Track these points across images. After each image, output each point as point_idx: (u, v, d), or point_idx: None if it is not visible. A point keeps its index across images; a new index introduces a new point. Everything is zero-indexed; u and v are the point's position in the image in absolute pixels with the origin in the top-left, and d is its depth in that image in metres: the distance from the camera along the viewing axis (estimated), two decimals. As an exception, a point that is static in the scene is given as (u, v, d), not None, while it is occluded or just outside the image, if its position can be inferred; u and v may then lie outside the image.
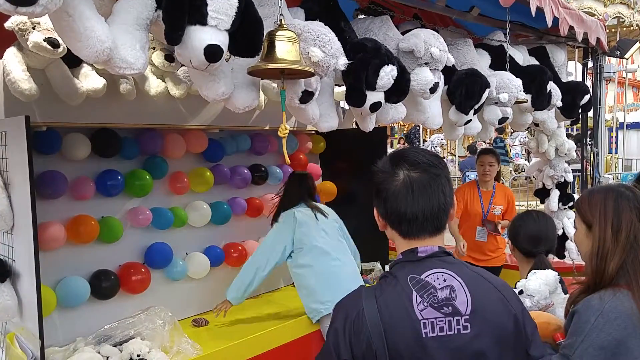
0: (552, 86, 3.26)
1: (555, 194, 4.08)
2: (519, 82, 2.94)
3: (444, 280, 1.15)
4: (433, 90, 2.50)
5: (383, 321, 1.11)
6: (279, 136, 1.92)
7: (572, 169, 4.22)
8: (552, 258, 3.85)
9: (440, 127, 2.97)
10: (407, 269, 1.18)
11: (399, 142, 15.83)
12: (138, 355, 2.32)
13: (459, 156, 13.52)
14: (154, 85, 2.63)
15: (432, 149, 13.90)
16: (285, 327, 2.89)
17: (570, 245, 4.00)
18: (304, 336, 2.91)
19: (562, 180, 4.07)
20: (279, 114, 1.95)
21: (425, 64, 2.47)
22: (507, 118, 3.02)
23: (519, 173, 11.59)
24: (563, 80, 3.72)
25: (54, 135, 2.51)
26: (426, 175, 1.18)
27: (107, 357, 2.32)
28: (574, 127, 7.23)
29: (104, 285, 2.65)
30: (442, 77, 2.62)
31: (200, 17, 1.57)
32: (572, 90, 3.55)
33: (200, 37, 1.58)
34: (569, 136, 4.42)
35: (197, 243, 3.20)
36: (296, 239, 2.90)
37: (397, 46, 2.50)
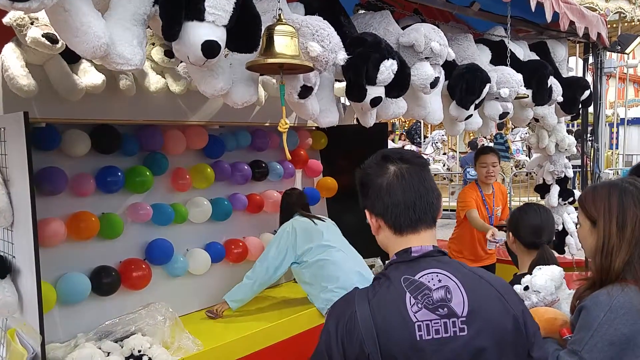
0: (552, 81, 3.24)
1: (555, 189, 4.06)
2: (519, 77, 2.93)
3: (439, 281, 1.13)
4: (434, 85, 2.49)
5: (376, 324, 1.09)
6: (280, 132, 1.92)
7: (572, 165, 4.21)
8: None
9: (441, 122, 2.96)
10: (401, 269, 1.16)
11: (400, 139, 15.80)
12: (139, 351, 2.33)
13: (460, 152, 13.53)
14: (154, 81, 2.62)
15: (433, 145, 13.88)
16: (286, 322, 2.89)
17: (570, 240, 3.99)
18: (304, 332, 2.91)
19: (563, 175, 4.06)
20: (279, 110, 1.95)
21: (426, 58, 2.45)
22: (508, 113, 3.01)
23: (520, 169, 11.58)
24: (564, 76, 3.70)
25: (53, 131, 2.50)
26: (415, 166, 1.21)
27: (108, 353, 2.33)
28: (575, 122, 7.22)
29: (105, 282, 2.65)
30: (443, 72, 2.60)
31: (198, 13, 1.56)
32: (572, 86, 3.53)
33: (197, 33, 1.57)
34: (569, 132, 4.41)
35: (197, 239, 3.20)
36: (298, 246, 2.94)
37: (398, 41, 2.49)
